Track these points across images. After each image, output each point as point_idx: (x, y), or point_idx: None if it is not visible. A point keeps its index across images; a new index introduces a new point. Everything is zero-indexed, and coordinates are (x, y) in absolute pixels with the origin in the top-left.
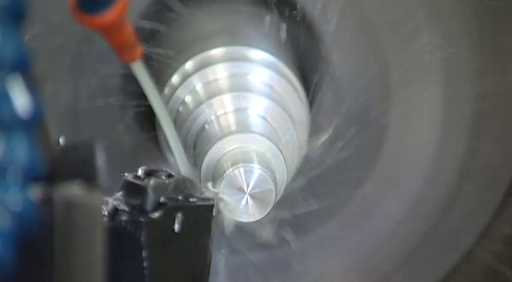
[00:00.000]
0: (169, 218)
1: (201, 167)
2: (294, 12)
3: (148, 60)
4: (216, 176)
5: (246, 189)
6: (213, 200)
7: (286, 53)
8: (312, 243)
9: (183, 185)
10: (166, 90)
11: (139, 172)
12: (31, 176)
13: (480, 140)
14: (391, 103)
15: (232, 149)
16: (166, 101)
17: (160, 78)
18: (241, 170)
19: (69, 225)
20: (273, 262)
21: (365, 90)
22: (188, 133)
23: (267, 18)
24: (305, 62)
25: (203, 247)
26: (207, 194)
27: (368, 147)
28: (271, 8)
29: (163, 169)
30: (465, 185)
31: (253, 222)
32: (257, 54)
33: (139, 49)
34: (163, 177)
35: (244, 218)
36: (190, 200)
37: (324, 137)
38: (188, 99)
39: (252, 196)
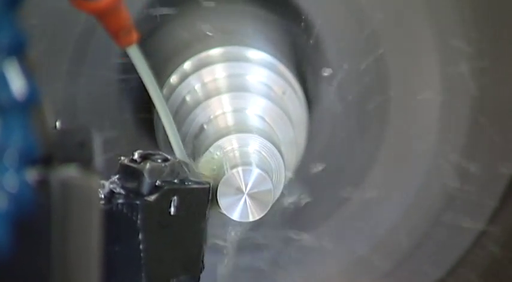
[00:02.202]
0: (165, 201)
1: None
2: (292, 11)
3: (147, 59)
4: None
5: (244, 190)
6: (209, 183)
7: (285, 52)
8: (307, 245)
9: (178, 169)
10: (165, 90)
11: (136, 156)
12: (28, 159)
13: (478, 141)
14: (389, 103)
15: (231, 149)
16: (165, 100)
17: (159, 78)
18: (240, 170)
19: (66, 207)
20: (270, 263)
21: (363, 91)
22: (187, 133)
23: (265, 18)
24: (303, 61)
25: (199, 230)
26: (203, 178)
27: (366, 147)
28: (269, 7)
29: (159, 153)
30: (463, 187)
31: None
32: (255, 54)
33: (136, 33)
34: (159, 160)
35: (243, 218)
36: (186, 183)
37: (321, 137)
38: (187, 99)
39: (251, 196)
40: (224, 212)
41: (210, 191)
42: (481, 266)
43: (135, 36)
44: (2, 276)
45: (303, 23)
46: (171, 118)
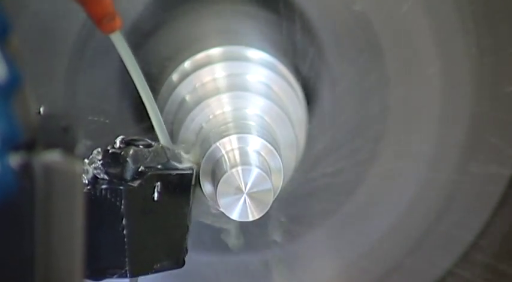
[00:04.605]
0: (148, 187)
1: (200, 167)
2: (292, 11)
3: (147, 59)
4: (214, 176)
5: (244, 189)
6: (192, 169)
7: (284, 52)
8: (307, 245)
9: (162, 154)
10: (165, 89)
11: (119, 141)
12: (11, 144)
13: (476, 146)
14: (389, 104)
15: (231, 150)
16: (165, 100)
17: (159, 77)
18: (239, 169)
19: (49, 192)
20: (268, 263)
21: (363, 90)
22: (186, 132)
23: (265, 18)
24: (303, 61)
25: (182, 215)
26: (186, 163)
27: (365, 148)
28: (269, 7)
29: (143, 138)
30: (461, 188)
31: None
32: (255, 53)
33: (119, 20)
34: (142, 146)
35: (242, 218)
36: (169, 169)
37: (321, 137)
38: (186, 98)
39: (250, 196)
40: (224, 211)
41: (194, 177)
42: (479, 268)
43: (118, 22)
44: None
45: (302, 23)
46: (155, 103)
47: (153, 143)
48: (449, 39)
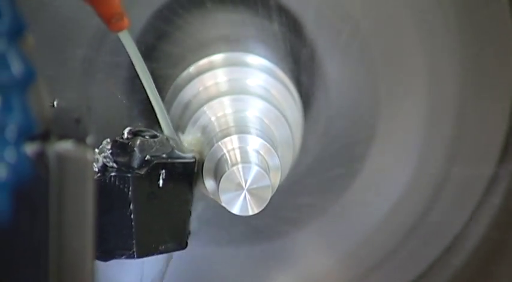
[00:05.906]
0: (154, 174)
1: (202, 166)
2: (289, 21)
3: (155, 65)
4: (216, 173)
5: (244, 186)
6: (194, 158)
7: (282, 58)
8: (300, 238)
9: (166, 144)
10: (170, 94)
11: (126, 132)
12: (27, 134)
13: (464, 138)
14: (379, 107)
15: (232, 149)
16: (170, 103)
17: (164, 82)
18: (240, 167)
19: (63, 179)
20: (262, 256)
21: (355, 94)
22: (190, 133)
23: (265, 27)
24: (299, 67)
25: (185, 200)
26: (189, 153)
27: (357, 144)
28: (268, 17)
29: (149, 129)
30: (450, 180)
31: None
32: (255, 59)
33: (127, 19)
34: (148, 136)
35: (243, 212)
36: (173, 157)
37: (316, 136)
38: (190, 102)
39: (250, 192)
40: (225, 206)
41: (196, 165)
42: (463, 260)
43: (126, 22)
44: (1, 243)
45: (298, 31)
46: (158, 96)
47: (158, 134)
48: (436, 40)
